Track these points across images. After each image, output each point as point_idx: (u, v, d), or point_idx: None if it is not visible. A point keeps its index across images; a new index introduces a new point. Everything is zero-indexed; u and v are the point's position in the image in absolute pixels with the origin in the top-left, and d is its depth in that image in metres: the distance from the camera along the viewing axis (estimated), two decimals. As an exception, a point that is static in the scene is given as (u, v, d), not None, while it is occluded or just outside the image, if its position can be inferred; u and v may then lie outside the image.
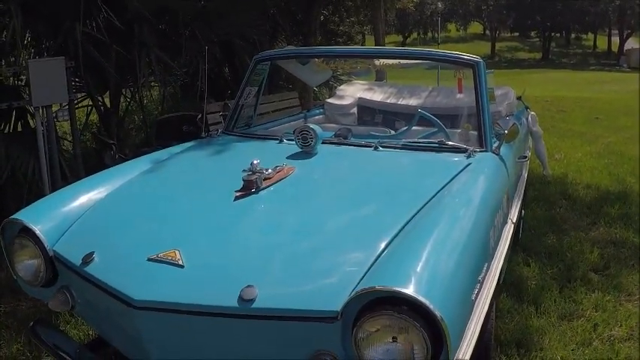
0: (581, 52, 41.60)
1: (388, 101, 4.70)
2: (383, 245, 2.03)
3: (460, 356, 1.83)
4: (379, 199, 2.45)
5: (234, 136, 3.55)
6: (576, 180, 7.07)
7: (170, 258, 2.06)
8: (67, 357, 2.35)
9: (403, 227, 2.14)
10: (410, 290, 1.73)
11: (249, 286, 1.89)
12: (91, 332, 3.31)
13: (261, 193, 2.48)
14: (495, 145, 3.09)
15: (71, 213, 2.55)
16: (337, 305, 1.80)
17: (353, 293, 1.78)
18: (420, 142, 3.10)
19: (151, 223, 2.39)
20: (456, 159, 2.88)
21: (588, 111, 13.81)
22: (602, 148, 9.17)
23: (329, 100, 4.92)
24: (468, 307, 1.98)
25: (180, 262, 2.04)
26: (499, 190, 2.81)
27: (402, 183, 2.67)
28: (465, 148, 2.98)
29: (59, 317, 3.50)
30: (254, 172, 2.50)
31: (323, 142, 3.07)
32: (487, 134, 3.07)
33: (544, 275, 4.32)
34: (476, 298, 2.06)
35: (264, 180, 2.53)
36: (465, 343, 1.90)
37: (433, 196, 2.39)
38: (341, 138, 3.25)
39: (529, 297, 3.92)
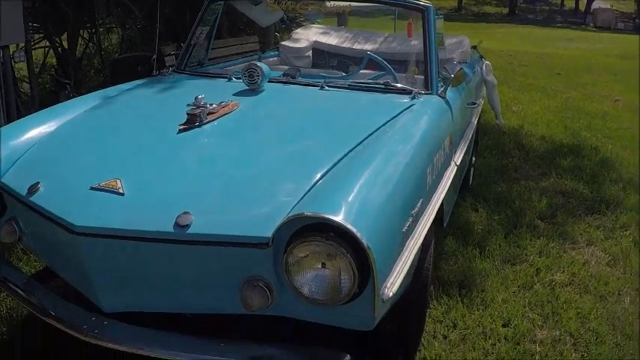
0: (548, 9, 41.58)
1: (343, 45, 4.69)
2: (317, 176, 2.08)
3: (388, 286, 1.90)
4: (318, 135, 2.51)
5: (185, 75, 3.54)
6: (531, 132, 7.19)
7: (111, 187, 2.11)
8: (16, 288, 2.38)
9: (339, 160, 2.19)
10: (338, 218, 1.78)
11: (185, 212, 1.94)
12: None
13: (205, 126, 2.52)
14: (441, 88, 3.13)
15: (20, 146, 2.55)
16: (268, 231, 1.85)
17: (284, 220, 1.83)
18: (365, 83, 3.12)
19: (95, 154, 2.43)
20: (399, 100, 2.92)
21: (550, 67, 13.92)
22: (560, 102, 9.30)
23: (284, 43, 4.89)
24: (398, 239, 2.04)
25: (120, 191, 2.09)
26: (441, 131, 2.86)
27: (343, 120, 2.72)
28: (409, 89, 3.02)
29: (12, 254, 3.49)
30: (198, 107, 2.55)
31: (270, 81, 3.11)
32: (433, 77, 3.11)
33: (491, 221, 4.43)
34: (407, 231, 2.11)
35: (208, 114, 2.57)
36: (394, 274, 1.96)
37: (372, 133, 2.44)
38: (289, 77, 3.25)
39: (474, 241, 4.03)
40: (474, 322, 3.09)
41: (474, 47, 5.12)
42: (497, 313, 3.18)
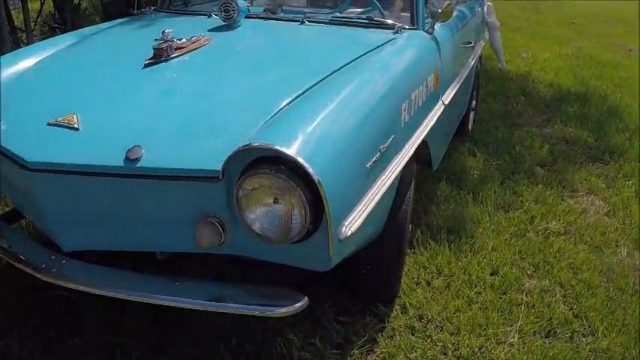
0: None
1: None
2: (279, 107, 1.96)
3: (346, 224, 1.79)
4: (289, 68, 2.37)
5: (165, 13, 3.39)
6: (539, 78, 6.96)
7: (67, 122, 2.04)
8: None
9: (306, 91, 2.06)
10: (288, 149, 1.66)
11: (135, 146, 1.86)
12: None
13: (171, 61, 2.40)
14: (428, 24, 2.95)
15: None
16: (218, 164, 1.74)
17: (233, 151, 1.71)
18: (347, 18, 2.96)
19: (58, 91, 2.34)
20: (381, 34, 2.75)
21: (565, 15, 13.50)
22: (572, 51, 8.99)
23: None
24: (361, 175, 1.91)
25: (75, 126, 2.01)
26: (424, 67, 2.70)
27: (318, 53, 2.58)
28: (393, 24, 2.85)
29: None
30: (165, 41, 2.43)
31: (248, 17, 2.96)
32: (418, 12, 2.94)
33: (488, 166, 4.28)
34: (374, 167, 1.98)
35: (175, 49, 2.45)
36: (355, 212, 1.85)
37: (346, 64, 2.31)
38: (268, 13, 3.09)
39: (469, 186, 3.89)
40: (460, 269, 2.97)
41: (475, -14, 4.88)
42: (485, 260, 3.06)
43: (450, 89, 3.25)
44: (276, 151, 1.65)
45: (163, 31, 2.43)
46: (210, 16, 3.12)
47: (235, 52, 2.58)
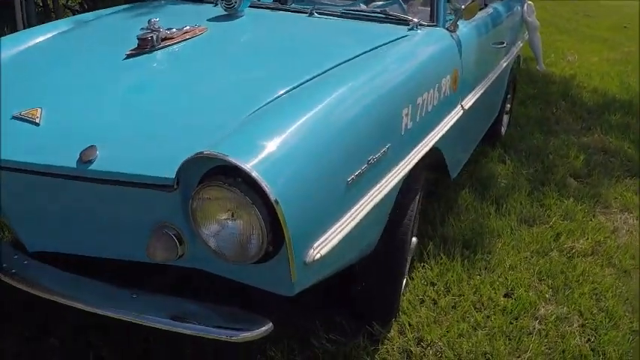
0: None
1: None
2: (252, 110, 1.75)
3: (316, 247, 1.59)
4: (281, 64, 2.17)
5: (174, 0, 3.21)
6: (583, 83, 6.58)
7: (30, 116, 1.89)
8: None
9: (288, 92, 1.86)
10: (244, 162, 1.45)
11: (91, 146, 1.70)
12: None
13: (156, 52, 2.22)
14: (451, 22, 2.71)
15: None
16: (172, 172, 1.55)
17: (185, 159, 1.53)
18: (359, 11, 2.73)
19: (33, 81, 2.19)
20: (394, 30, 2.52)
21: (618, 18, 12.91)
22: (621, 56, 8.53)
23: None
24: (338, 191, 1.69)
25: (37, 121, 1.87)
26: (438, 67, 2.46)
27: (317, 48, 2.37)
28: (409, 19, 2.61)
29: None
30: (151, 30, 2.25)
31: (254, 7, 2.78)
32: (439, 8, 2.70)
33: (517, 175, 4.01)
34: (358, 181, 1.76)
35: (163, 39, 2.27)
36: (327, 234, 1.65)
37: (343, 62, 2.10)
38: (277, 3, 2.89)
39: (493, 196, 3.63)
40: (471, 288, 2.73)
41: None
42: (500, 280, 2.80)
43: (473, 92, 3.00)
44: (229, 162, 1.45)
45: (149, 20, 2.24)
46: (216, 4, 2.94)
47: (228, 44, 2.39)
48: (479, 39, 3.10)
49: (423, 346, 2.37)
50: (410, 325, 2.46)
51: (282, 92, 1.85)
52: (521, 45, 4.53)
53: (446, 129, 2.51)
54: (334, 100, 1.80)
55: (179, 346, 2.20)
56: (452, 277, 2.79)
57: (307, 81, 1.93)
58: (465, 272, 2.84)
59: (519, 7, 4.42)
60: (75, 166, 1.67)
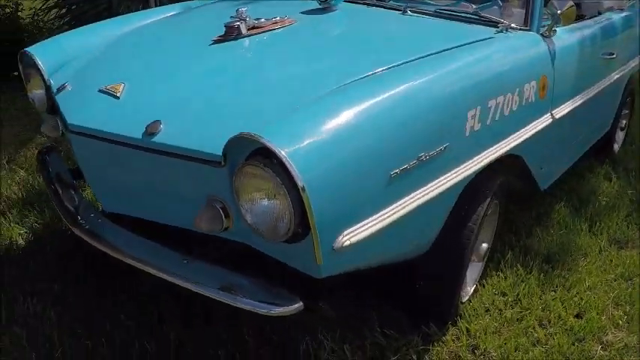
0: None
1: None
2: (309, 97, 1.83)
3: (346, 234, 1.64)
4: (357, 55, 2.21)
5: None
6: None
7: (113, 90, 2.10)
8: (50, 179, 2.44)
9: (352, 82, 1.91)
10: (276, 145, 1.52)
11: (156, 121, 1.87)
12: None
13: (241, 40, 2.34)
14: (545, 26, 2.62)
15: (76, 50, 2.57)
16: (220, 149, 1.67)
17: (229, 139, 1.64)
18: (452, 11, 2.70)
19: (126, 60, 2.43)
20: (482, 31, 2.48)
21: None
22: None
23: None
24: (377, 183, 1.71)
25: (118, 94, 2.07)
26: (521, 72, 2.39)
27: (397, 42, 2.38)
28: (500, 21, 2.56)
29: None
30: (239, 19, 2.37)
31: (351, 1, 2.83)
32: (533, 11, 2.61)
33: (621, 195, 3.77)
34: (400, 176, 1.76)
35: (251, 28, 2.39)
36: (361, 224, 1.68)
37: (418, 58, 2.10)
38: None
39: (589, 213, 3.45)
40: (542, 303, 2.63)
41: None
42: (575, 299, 2.68)
43: (569, 102, 2.88)
44: (264, 144, 1.53)
45: (238, 9, 2.36)
46: None
47: (312, 35, 2.46)
48: (581, 47, 2.96)
49: (475, 354, 2.33)
50: (468, 331, 2.42)
51: (347, 82, 1.90)
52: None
53: (526, 136, 2.44)
54: (390, 94, 1.81)
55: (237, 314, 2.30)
56: (524, 289, 2.70)
57: (373, 74, 1.96)
58: (539, 286, 2.74)
59: (638, 18, 4.15)
60: (140, 137, 1.85)
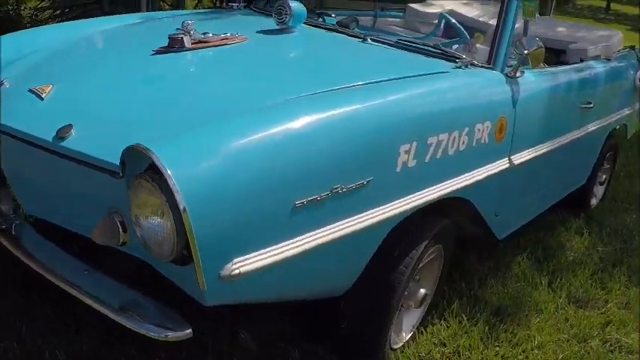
0: None
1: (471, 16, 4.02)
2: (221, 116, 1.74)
3: (233, 263, 1.53)
4: (297, 77, 2.17)
5: (250, 10, 3.25)
6: None
7: (40, 91, 2.05)
8: None
9: (273, 104, 1.83)
10: (163, 160, 1.44)
11: (68, 124, 1.81)
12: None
13: (183, 53, 2.27)
14: (513, 68, 2.50)
15: (34, 46, 2.51)
16: (117, 159, 1.59)
17: (124, 149, 1.54)
18: (412, 43, 2.60)
19: (64, 63, 2.37)
20: (439, 64, 2.39)
21: None
22: None
23: (412, 5, 4.33)
24: (278, 212, 1.59)
25: (43, 95, 2.02)
26: (474, 111, 2.28)
27: (342, 68, 2.31)
28: (459, 56, 2.45)
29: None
30: (185, 32, 2.31)
31: (313, 25, 2.78)
32: (499, 49, 2.49)
33: (591, 251, 3.62)
34: (306, 206, 1.64)
35: (197, 42, 2.33)
36: (254, 255, 1.56)
37: (359, 85, 2.03)
38: (339, 26, 2.83)
39: (552, 268, 3.30)
40: (482, 358, 2.48)
41: (631, 48, 4.20)
42: (519, 358, 2.53)
43: (533, 149, 2.75)
44: (151, 159, 1.45)
45: (183, 22, 2.30)
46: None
47: (257, 55, 2.38)
48: (552, 93, 2.85)
49: (397, 407, 2.17)
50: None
51: (269, 103, 1.81)
52: (628, 113, 4.12)
53: (476, 179, 2.32)
54: (309, 119, 1.70)
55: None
56: (466, 341, 2.55)
57: (301, 96, 1.87)
58: (483, 340, 2.59)
59: (633, 72, 4.04)
60: (50, 139, 1.78)
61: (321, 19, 3.02)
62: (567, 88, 3.04)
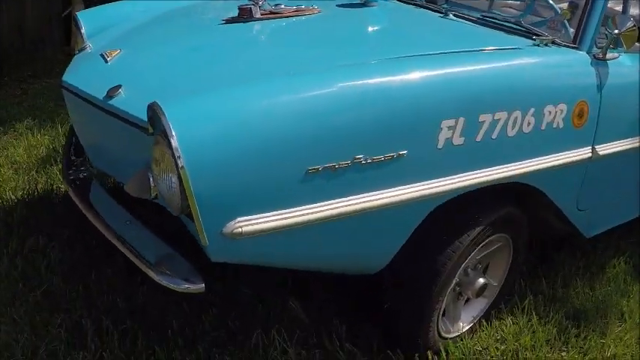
0: None
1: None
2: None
3: (237, 221, 1.55)
4: (354, 48, 2.17)
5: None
6: None
7: (108, 55, 2.20)
8: None
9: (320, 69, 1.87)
10: (171, 119, 1.50)
11: (118, 85, 1.93)
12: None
13: (250, 23, 2.36)
14: (600, 48, 2.30)
15: (118, 19, 2.70)
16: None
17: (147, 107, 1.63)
18: (495, 19, 2.47)
19: (140, 33, 2.51)
20: (516, 41, 2.27)
21: None
22: None
23: None
24: (289, 178, 1.59)
25: (108, 59, 2.17)
26: (544, 92, 2.10)
27: (409, 40, 2.29)
28: (540, 33, 2.30)
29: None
30: (254, 2, 2.40)
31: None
32: (587, 28, 2.29)
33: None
34: (321, 174, 1.61)
35: (268, 13, 2.40)
36: (260, 216, 1.57)
37: (419, 55, 2.00)
38: (424, 1, 2.75)
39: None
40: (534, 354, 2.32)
41: None
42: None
43: (625, 140, 2.51)
44: (161, 118, 1.52)
45: None
46: None
47: (325, 26, 2.41)
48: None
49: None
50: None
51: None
52: None
53: (545, 165, 2.15)
54: (334, 86, 1.69)
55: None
56: (529, 341, 2.40)
57: (354, 64, 1.88)
58: (549, 343, 2.42)
59: None
60: (101, 98, 1.93)
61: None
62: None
